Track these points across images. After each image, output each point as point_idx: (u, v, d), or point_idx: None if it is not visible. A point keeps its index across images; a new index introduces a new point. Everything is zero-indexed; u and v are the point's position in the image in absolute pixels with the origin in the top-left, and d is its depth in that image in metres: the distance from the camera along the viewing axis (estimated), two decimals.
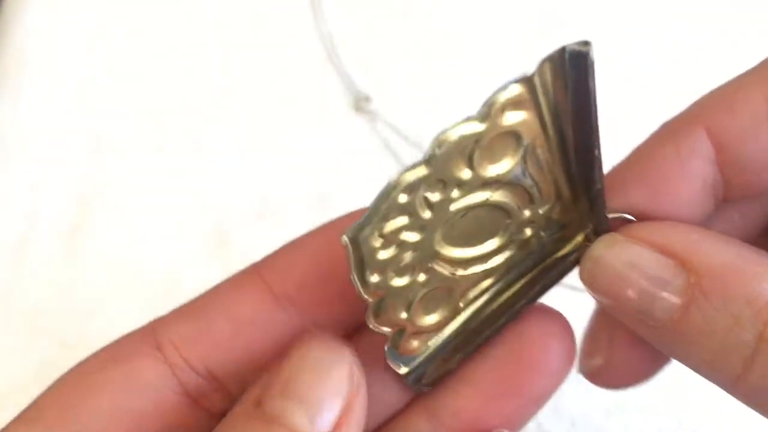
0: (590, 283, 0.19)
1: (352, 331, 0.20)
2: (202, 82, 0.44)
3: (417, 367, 0.19)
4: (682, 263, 0.17)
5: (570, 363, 0.20)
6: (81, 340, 0.36)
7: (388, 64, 0.43)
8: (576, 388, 0.35)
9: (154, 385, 0.18)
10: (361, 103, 0.42)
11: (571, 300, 0.22)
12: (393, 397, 0.21)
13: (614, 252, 0.18)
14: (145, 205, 0.40)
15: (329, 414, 0.16)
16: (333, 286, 0.19)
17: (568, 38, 0.16)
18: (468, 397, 0.20)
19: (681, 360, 0.18)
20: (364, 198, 0.17)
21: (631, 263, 0.18)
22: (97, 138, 0.42)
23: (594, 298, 0.19)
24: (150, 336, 0.19)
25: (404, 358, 0.19)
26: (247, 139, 0.42)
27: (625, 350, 0.21)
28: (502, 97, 0.15)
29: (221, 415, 0.18)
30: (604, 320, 0.22)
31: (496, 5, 0.46)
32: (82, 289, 0.38)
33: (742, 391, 0.17)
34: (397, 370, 0.19)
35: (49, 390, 0.18)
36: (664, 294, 0.17)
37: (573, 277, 0.20)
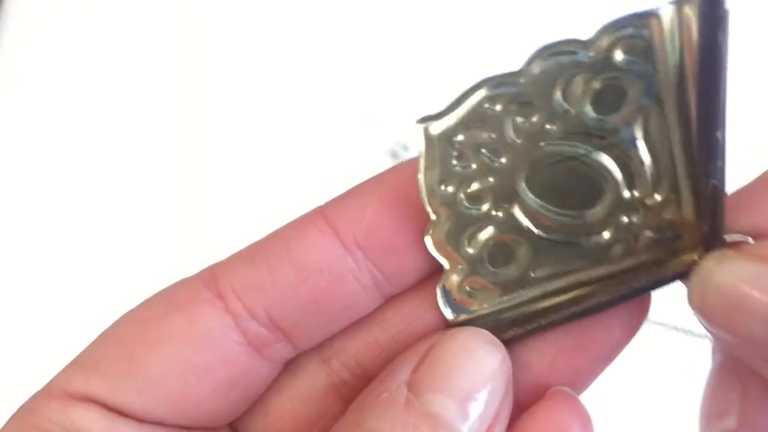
0: (701, 309, 0.16)
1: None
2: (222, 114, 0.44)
3: (464, 321, 0.18)
4: None
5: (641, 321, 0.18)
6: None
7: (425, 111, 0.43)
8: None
9: (216, 336, 0.17)
10: (398, 152, 0.41)
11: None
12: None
13: (730, 270, 0.15)
14: (146, 206, 0.40)
15: (486, 415, 0.16)
16: (405, 233, 0.18)
17: None
18: (539, 351, 0.18)
19: None
20: None
21: (753, 285, 0.14)
22: (96, 139, 0.42)
23: (709, 331, 0.16)
24: (210, 281, 0.18)
25: (455, 305, 0.18)
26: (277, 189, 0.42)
27: (764, 404, 0.17)
28: (619, 32, 0.14)
29: (283, 364, 0.19)
30: (730, 369, 0.18)
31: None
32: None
33: None
34: (444, 314, 0.18)
35: (107, 338, 0.18)
36: None
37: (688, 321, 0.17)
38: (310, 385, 0.19)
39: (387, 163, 0.40)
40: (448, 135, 0.15)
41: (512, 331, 0.18)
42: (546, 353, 0.18)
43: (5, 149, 0.42)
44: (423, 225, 0.17)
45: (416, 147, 0.16)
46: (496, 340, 0.17)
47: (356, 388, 0.19)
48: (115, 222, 0.40)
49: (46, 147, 0.42)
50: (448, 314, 0.18)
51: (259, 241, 0.18)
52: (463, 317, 0.18)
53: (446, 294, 0.18)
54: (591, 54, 0.14)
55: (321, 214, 0.18)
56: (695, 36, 0.14)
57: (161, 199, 0.41)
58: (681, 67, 0.14)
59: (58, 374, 0.18)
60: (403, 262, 0.18)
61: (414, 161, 0.17)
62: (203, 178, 0.41)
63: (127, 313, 0.18)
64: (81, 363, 0.18)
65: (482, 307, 0.18)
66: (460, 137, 0.15)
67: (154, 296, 0.18)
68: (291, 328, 0.18)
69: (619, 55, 0.15)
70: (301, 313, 0.18)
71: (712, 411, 0.18)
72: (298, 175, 0.41)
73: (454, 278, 0.17)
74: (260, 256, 0.18)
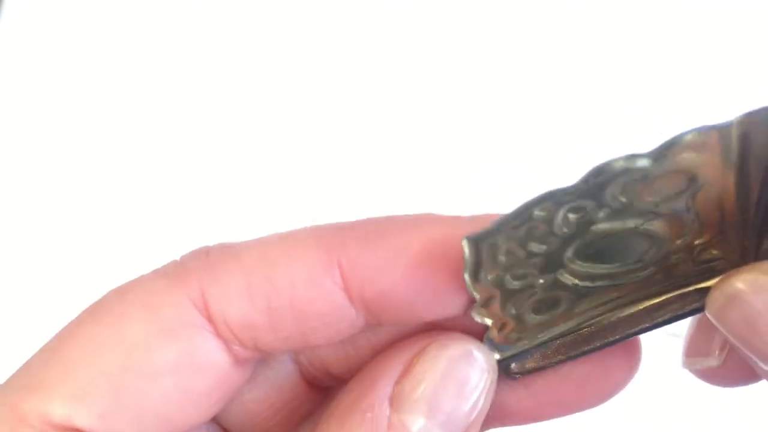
0: (718, 318, 0.16)
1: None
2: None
3: (511, 356, 0.18)
4: None
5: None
6: None
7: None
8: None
9: (212, 363, 0.17)
10: None
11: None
12: None
13: (756, 293, 0.15)
14: (146, 205, 0.40)
15: None
16: (418, 305, 0.17)
17: None
18: (521, 398, 0.19)
19: None
20: None
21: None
22: (96, 139, 0.42)
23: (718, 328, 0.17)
24: (200, 304, 0.17)
25: (500, 345, 0.18)
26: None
27: None
28: (687, 139, 0.14)
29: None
30: None
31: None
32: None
33: None
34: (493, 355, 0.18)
35: (83, 358, 0.16)
36: None
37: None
38: (280, 375, 0.20)
39: None
40: (497, 242, 0.15)
41: (558, 357, 0.18)
42: (527, 401, 0.18)
43: (5, 148, 0.42)
44: (438, 292, 0.17)
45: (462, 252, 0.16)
46: (486, 353, 0.17)
47: (322, 379, 0.20)
48: (114, 222, 0.40)
49: (45, 147, 0.42)
50: (496, 356, 0.18)
51: (258, 263, 0.17)
52: (509, 353, 0.18)
53: (490, 341, 0.18)
54: (656, 164, 0.15)
55: (337, 260, 0.17)
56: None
57: (161, 198, 0.41)
58: (745, 164, 0.15)
59: (22, 393, 0.16)
60: (405, 319, 0.18)
61: (457, 218, 0.17)
62: (204, 177, 0.41)
63: (97, 320, 0.17)
64: (58, 386, 0.16)
65: (528, 342, 0.18)
66: (512, 240, 0.16)
67: (128, 306, 0.17)
68: (275, 352, 0.18)
69: (684, 158, 0.15)
70: (285, 345, 0.18)
71: (697, 349, 0.19)
72: (304, 178, 0.42)
73: (498, 329, 0.17)
74: (261, 294, 0.17)
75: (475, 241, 0.15)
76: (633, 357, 0.18)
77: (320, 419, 0.17)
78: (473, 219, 0.17)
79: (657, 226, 0.16)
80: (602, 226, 0.16)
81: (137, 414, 0.16)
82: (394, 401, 0.16)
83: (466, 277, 0.16)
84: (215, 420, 0.19)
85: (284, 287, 0.17)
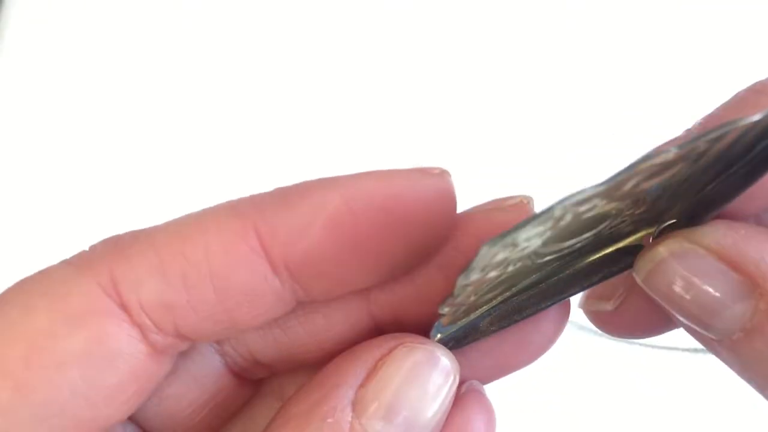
0: (645, 281, 0.17)
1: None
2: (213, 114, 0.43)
3: (448, 335, 0.18)
4: (754, 285, 0.16)
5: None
6: None
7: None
8: (576, 388, 0.36)
9: (125, 353, 0.16)
10: None
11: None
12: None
13: (679, 259, 0.16)
14: (140, 203, 0.40)
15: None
16: (344, 267, 0.16)
17: None
18: (479, 350, 0.18)
19: (731, 368, 0.17)
20: None
21: (696, 274, 0.16)
22: (98, 140, 0.42)
23: (644, 289, 0.18)
24: (110, 289, 0.15)
25: (443, 328, 0.18)
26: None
27: (643, 303, 0.19)
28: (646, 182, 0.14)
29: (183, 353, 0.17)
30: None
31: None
32: None
33: None
34: (433, 338, 0.18)
35: None
36: (727, 313, 0.16)
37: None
38: (203, 368, 0.19)
39: None
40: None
41: (492, 329, 0.18)
42: (485, 352, 0.18)
43: (7, 149, 0.42)
44: (365, 260, 0.16)
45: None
46: (452, 358, 0.17)
47: (251, 371, 0.19)
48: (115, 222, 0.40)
49: (48, 147, 0.42)
50: (437, 337, 0.17)
51: (169, 240, 0.16)
52: (447, 334, 0.18)
53: (439, 326, 0.17)
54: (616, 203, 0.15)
55: (253, 227, 0.16)
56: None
57: (163, 197, 0.41)
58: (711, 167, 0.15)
59: None
60: (332, 291, 0.17)
61: (363, 176, 0.16)
62: (206, 177, 0.41)
63: (15, 325, 0.15)
64: None
65: (463, 320, 0.18)
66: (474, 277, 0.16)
67: (32, 296, 0.15)
68: (197, 337, 0.17)
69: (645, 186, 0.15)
70: (209, 326, 0.16)
71: (598, 292, 0.20)
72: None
73: (449, 318, 0.17)
74: (175, 270, 0.15)
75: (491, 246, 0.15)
76: (563, 309, 0.18)
77: (273, 423, 0.16)
78: (391, 174, 0.16)
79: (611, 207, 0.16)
80: (569, 243, 0.16)
81: (41, 411, 0.15)
82: (357, 406, 0.15)
83: (461, 279, 0.15)
84: (133, 420, 0.18)
85: (199, 259, 0.15)
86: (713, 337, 0.16)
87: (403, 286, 0.18)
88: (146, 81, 0.44)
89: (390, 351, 0.16)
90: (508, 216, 0.17)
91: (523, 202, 0.18)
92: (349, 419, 0.15)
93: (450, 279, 0.16)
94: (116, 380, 0.15)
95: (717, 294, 0.16)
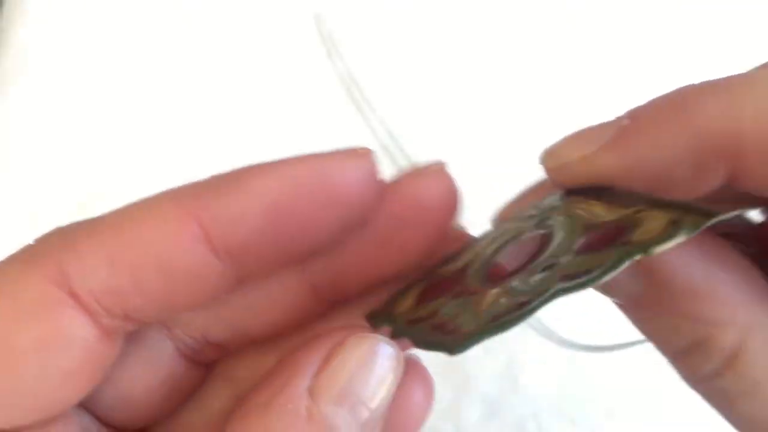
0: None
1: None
2: (212, 106, 0.44)
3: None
4: None
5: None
6: None
7: (418, 105, 0.42)
8: (576, 388, 0.36)
9: (77, 338, 0.16)
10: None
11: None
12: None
13: None
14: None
15: (379, 421, 0.17)
16: (282, 245, 0.17)
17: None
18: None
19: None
20: None
21: None
22: (99, 140, 0.42)
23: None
24: (60, 278, 0.16)
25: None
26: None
27: None
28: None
29: (129, 334, 0.18)
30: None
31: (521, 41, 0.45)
32: None
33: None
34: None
35: None
36: None
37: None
38: (154, 350, 0.20)
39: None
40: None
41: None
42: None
43: (9, 149, 0.42)
44: (301, 238, 0.17)
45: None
46: (395, 346, 0.18)
47: (199, 349, 0.20)
48: None
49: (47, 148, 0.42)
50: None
51: (114, 230, 0.17)
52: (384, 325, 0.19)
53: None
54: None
55: (193, 214, 0.16)
56: None
57: None
58: None
59: None
60: (271, 268, 0.18)
61: (296, 160, 0.17)
62: None
63: None
64: None
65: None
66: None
67: None
68: (145, 318, 0.18)
69: None
70: (156, 308, 0.17)
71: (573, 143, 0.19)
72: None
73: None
74: (121, 257, 0.16)
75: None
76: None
77: (235, 414, 0.17)
78: (321, 157, 0.17)
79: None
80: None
81: (2, 400, 0.16)
82: (314, 393, 0.17)
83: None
84: (89, 408, 0.19)
85: (143, 246, 0.16)
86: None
87: (338, 255, 0.19)
88: (149, 84, 0.44)
89: (341, 342, 0.17)
90: (428, 181, 0.19)
91: (441, 167, 0.19)
92: (306, 404, 0.16)
93: (380, 244, 0.19)
94: (71, 365, 0.16)
95: None
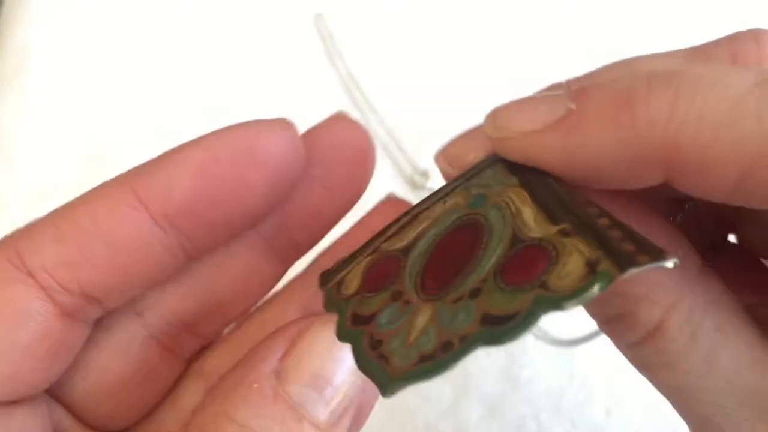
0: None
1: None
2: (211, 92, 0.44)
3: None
4: None
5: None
6: None
7: (418, 105, 0.43)
8: (576, 388, 0.36)
9: (34, 312, 0.18)
10: (417, 179, 0.40)
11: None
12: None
13: None
14: None
15: (345, 404, 0.18)
16: (217, 210, 0.18)
17: None
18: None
19: None
20: None
21: None
22: (99, 138, 0.42)
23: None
24: (16, 260, 0.18)
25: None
26: None
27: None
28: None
29: (94, 321, 0.19)
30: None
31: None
32: None
33: None
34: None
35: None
36: None
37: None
38: (125, 338, 0.20)
39: (407, 193, 0.40)
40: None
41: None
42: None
43: (9, 148, 0.42)
44: (234, 201, 0.18)
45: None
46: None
47: (173, 335, 0.21)
48: None
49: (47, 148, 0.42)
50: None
51: (63, 213, 0.18)
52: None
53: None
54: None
55: (131, 189, 0.18)
56: None
57: None
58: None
59: None
60: (214, 236, 0.19)
61: (224, 131, 0.18)
62: None
63: None
64: None
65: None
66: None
67: None
68: (102, 295, 0.18)
69: None
70: (111, 282, 0.18)
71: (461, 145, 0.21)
72: None
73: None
74: (69, 233, 0.18)
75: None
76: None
77: (206, 398, 0.18)
78: (246, 125, 0.19)
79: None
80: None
81: None
82: (280, 374, 0.17)
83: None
84: (62, 401, 0.19)
85: (88, 222, 0.18)
86: None
87: (282, 214, 0.21)
88: (148, 82, 0.44)
89: (306, 327, 0.18)
90: (339, 126, 0.20)
91: (342, 114, 0.21)
92: (272, 384, 0.17)
93: (316, 193, 0.20)
94: (28, 337, 0.17)
95: None
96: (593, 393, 0.36)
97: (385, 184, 0.41)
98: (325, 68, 0.44)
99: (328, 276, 0.19)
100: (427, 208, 0.19)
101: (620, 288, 0.16)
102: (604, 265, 0.13)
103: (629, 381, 0.36)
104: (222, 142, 0.18)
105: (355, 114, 0.43)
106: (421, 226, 0.19)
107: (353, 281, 0.18)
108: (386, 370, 0.15)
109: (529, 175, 0.17)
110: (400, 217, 0.20)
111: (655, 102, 0.14)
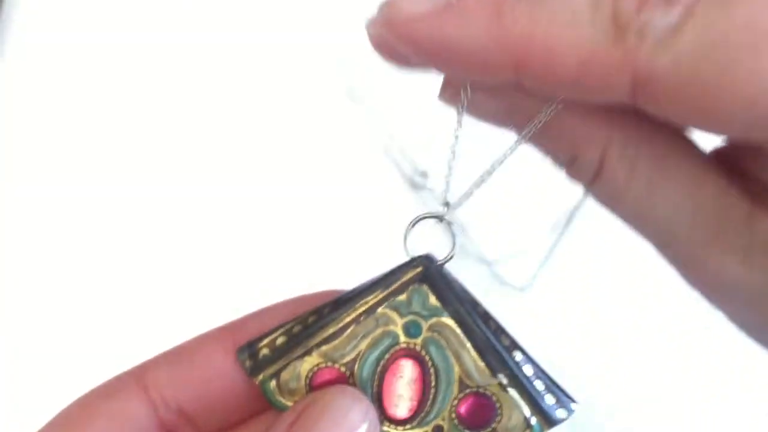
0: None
1: None
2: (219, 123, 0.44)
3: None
4: None
5: None
6: None
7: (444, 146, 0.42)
8: (576, 388, 0.36)
9: (137, 419, 0.21)
10: (416, 179, 0.40)
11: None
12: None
13: None
14: (143, 211, 0.40)
15: None
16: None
17: None
18: None
19: None
20: None
21: None
22: (99, 139, 0.42)
23: None
24: (138, 375, 0.22)
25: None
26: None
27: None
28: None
29: None
30: None
31: None
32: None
33: None
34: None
35: (54, 419, 0.22)
36: None
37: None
38: None
39: (406, 193, 0.40)
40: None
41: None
42: None
43: (8, 150, 0.42)
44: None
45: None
46: (360, 394, 0.20)
47: None
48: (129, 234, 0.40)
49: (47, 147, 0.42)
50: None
51: (183, 344, 0.22)
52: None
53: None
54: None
55: (231, 331, 0.22)
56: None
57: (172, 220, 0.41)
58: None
59: None
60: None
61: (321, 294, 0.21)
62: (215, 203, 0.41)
63: (75, 400, 0.22)
64: None
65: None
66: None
67: (97, 386, 0.22)
68: (197, 415, 0.22)
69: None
70: (207, 404, 0.22)
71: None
72: (314, 202, 0.42)
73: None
74: (183, 359, 0.22)
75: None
76: None
77: None
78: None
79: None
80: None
81: None
82: None
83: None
84: None
85: (195, 350, 0.22)
86: None
87: None
88: (150, 87, 0.44)
89: (313, 399, 0.20)
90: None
91: None
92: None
93: None
94: None
95: None
96: (593, 393, 0.36)
97: (385, 184, 0.41)
98: (349, 111, 0.44)
99: (256, 361, 0.21)
100: (354, 316, 0.21)
101: (566, 133, 0.19)
102: (534, 421, 0.20)
103: (629, 383, 0.36)
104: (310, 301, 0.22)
105: (380, 156, 0.43)
106: (357, 343, 0.21)
107: (295, 380, 0.21)
108: None
109: (457, 306, 0.20)
110: (322, 311, 0.21)
111: (519, 9, 0.17)
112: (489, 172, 0.21)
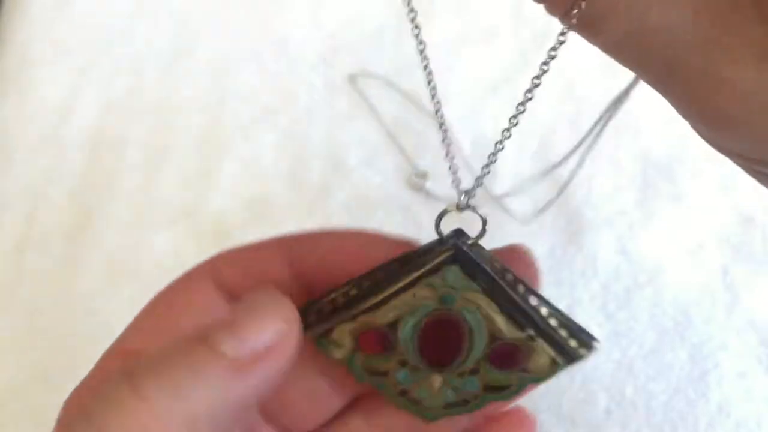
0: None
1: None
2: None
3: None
4: None
5: None
6: (79, 340, 0.36)
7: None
8: (576, 388, 0.36)
9: (214, 303, 0.22)
10: (415, 179, 0.40)
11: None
12: (334, 401, 0.24)
13: None
14: (144, 206, 0.40)
15: (256, 342, 0.19)
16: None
17: None
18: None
19: None
20: None
21: None
22: (99, 138, 0.42)
23: None
24: (210, 265, 0.23)
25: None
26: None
27: None
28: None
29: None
30: None
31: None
32: (81, 288, 0.38)
33: None
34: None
35: (146, 308, 0.23)
36: None
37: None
38: None
39: (408, 194, 0.40)
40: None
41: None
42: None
43: (7, 149, 0.42)
44: None
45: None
46: (282, 295, 0.20)
47: None
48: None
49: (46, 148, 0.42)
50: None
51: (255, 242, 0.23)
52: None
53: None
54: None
55: (285, 243, 0.24)
56: None
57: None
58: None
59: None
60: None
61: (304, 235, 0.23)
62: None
63: (157, 295, 0.23)
64: (131, 327, 0.22)
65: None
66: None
67: (177, 279, 0.23)
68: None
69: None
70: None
71: None
72: (315, 201, 0.41)
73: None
74: (252, 249, 0.23)
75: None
76: None
77: None
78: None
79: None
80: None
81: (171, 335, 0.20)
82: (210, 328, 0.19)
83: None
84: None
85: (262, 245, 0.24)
86: None
87: None
88: (149, 84, 0.44)
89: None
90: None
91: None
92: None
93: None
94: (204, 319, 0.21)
95: None
96: (593, 393, 0.36)
97: (385, 184, 0.41)
98: (363, 124, 0.44)
99: (309, 320, 0.22)
100: (392, 293, 0.22)
101: None
102: (560, 360, 0.23)
103: (629, 380, 0.36)
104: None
105: (354, 113, 0.43)
106: (396, 311, 0.22)
107: (344, 339, 0.23)
108: (421, 408, 0.23)
109: (487, 280, 0.22)
110: (362, 283, 0.23)
111: None
112: (494, 153, 0.21)
